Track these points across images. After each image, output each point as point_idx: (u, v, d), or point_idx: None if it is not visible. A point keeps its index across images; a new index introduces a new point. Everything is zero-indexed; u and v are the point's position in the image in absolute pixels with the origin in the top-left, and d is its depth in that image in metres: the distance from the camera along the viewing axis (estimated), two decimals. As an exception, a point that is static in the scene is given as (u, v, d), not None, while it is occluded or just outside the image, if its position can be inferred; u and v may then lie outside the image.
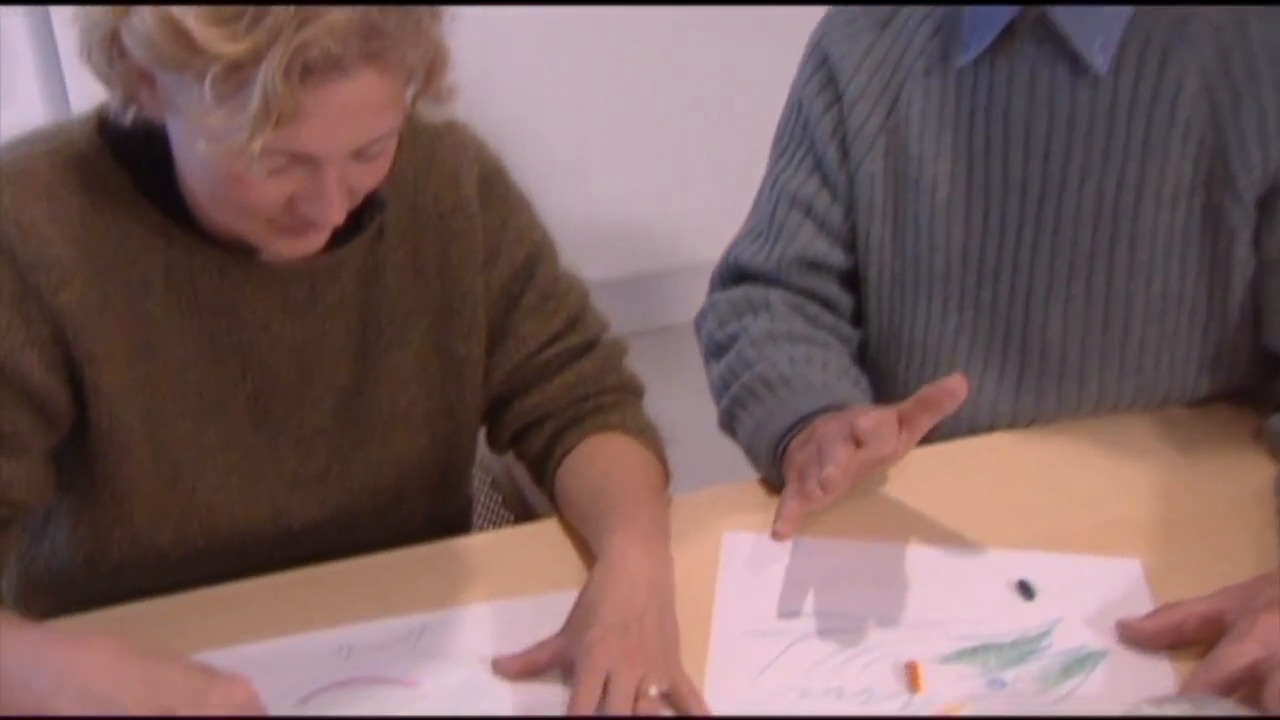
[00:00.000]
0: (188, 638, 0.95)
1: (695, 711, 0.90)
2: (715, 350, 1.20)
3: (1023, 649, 0.96)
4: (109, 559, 1.02)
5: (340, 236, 0.97)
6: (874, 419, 0.97)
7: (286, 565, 1.03)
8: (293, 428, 1.02)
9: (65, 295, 0.91)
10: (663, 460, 1.10)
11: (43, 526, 1.05)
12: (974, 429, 1.17)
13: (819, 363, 1.14)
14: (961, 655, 0.96)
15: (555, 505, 1.10)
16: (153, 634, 0.95)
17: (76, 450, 0.98)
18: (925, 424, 0.97)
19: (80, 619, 0.98)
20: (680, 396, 1.34)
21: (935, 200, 1.12)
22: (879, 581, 1.02)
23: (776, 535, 0.95)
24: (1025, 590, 1.00)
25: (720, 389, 1.17)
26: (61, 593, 1.05)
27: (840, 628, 0.98)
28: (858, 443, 0.97)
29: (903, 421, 0.98)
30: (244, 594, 1.01)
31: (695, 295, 1.29)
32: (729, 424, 1.15)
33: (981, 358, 1.15)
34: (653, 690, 0.89)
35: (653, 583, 0.95)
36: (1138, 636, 0.89)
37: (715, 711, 0.91)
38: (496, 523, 1.29)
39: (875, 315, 1.19)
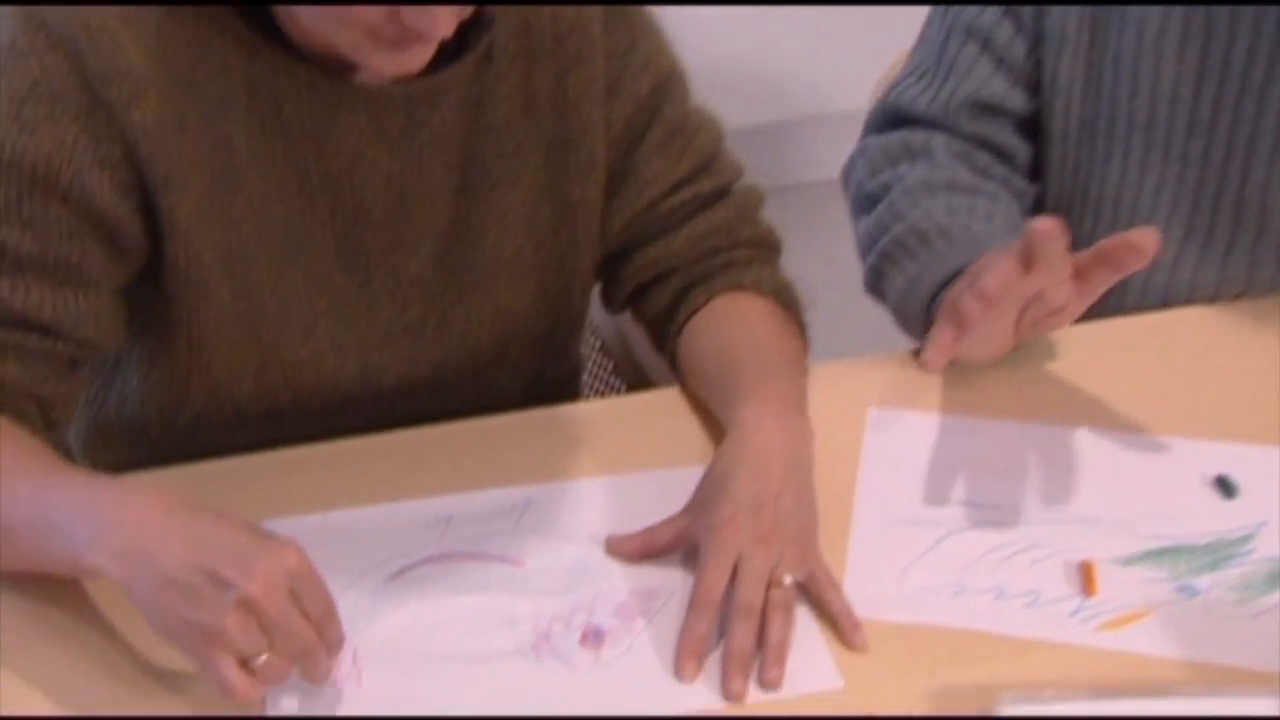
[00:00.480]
0: (267, 501, 0.95)
1: (835, 606, 0.89)
2: (864, 202, 1.16)
3: (1219, 553, 0.93)
4: (184, 412, 1.02)
5: (442, 60, 0.94)
6: (1048, 235, 0.91)
7: (376, 428, 1.03)
8: (386, 274, 1.01)
9: (139, 111, 0.89)
10: (801, 324, 1.08)
11: (113, 372, 1.06)
12: (1168, 300, 1.12)
13: (983, 214, 1.09)
14: (1146, 557, 0.93)
15: (677, 373, 1.09)
16: (228, 495, 0.95)
17: (150, 290, 0.96)
18: (1102, 281, 0.92)
19: (151, 475, 0.99)
20: (821, 259, 1.30)
21: (1144, 33, 1.04)
22: (1048, 470, 1.00)
23: (924, 365, 0.94)
24: (1225, 487, 0.96)
25: (867, 245, 1.13)
26: (132, 445, 1.06)
27: (1001, 520, 0.96)
28: (1026, 265, 0.92)
29: (1077, 275, 0.93)
30: (330, 456, 1.01)
31: (841, 147, 1.25)
32: (876, 284, 1.12)
33: (1185, 220, 1.09)
34: (787, 579, 0.88)
35: (789, 459, 0.93)
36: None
37: (856, 607, 0.89)
38: (605, 392, 1.28)
39: (1057, 168, 1.13)
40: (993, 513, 0.97)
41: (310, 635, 0.77)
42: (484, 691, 0.84)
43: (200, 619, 0.75)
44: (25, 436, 0.91)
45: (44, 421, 0.95)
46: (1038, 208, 1.17)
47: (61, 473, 0.87)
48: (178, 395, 1.02)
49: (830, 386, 1.05)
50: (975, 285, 0.92)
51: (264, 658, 0.76)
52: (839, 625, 0.88)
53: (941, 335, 0.95)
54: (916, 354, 1.08)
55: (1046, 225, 0.90)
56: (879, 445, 1.02)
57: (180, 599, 0.76)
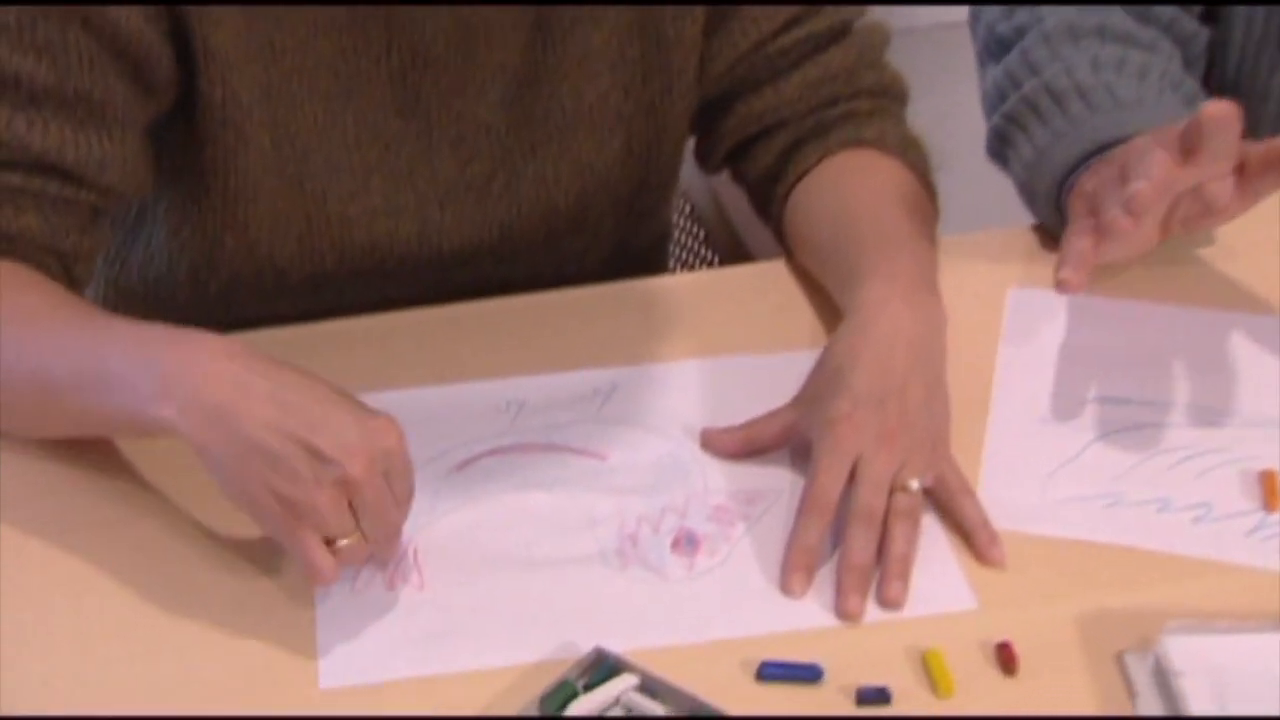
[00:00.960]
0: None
1: (969, 515, 0.86)
2: (994, 47, 1.10)
3: None
4: (217, 275, 1.02)
5: None
6: (1219, 121, 0.86)
7: (435, 299, 1.02)
8: (449, 121, 0.99)
9: None
10: (931, 188, 1.05)
11: (136, 227, 1.04)
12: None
13: (1134, 70, 1.03)
14: None
15: (784, 244, 1.07)
16: None
17: (181, 133, 0.96)
18: (1273, 186, 0.90)
19: None
20: (952, 111, 1.25)
21: None
22: (1221, 362, 0.96)
23: (1063, 286, 0.90)
24: None
25: (994, 101, 1.08)
26: (158, 311, 1.04)
27: (1164, 421, 0.93)
28: (1186, 153, 0.88)
29: (1243, 173, 0.90)
30: (383, 330, 1.00)
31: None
32: (999, 149, 1.07)
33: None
34: (913, 483, 0.86)
35: (918, 344, 0.91)
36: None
37: (993, 518, 0.87)
38: (695, 265, 1.26)
39: (1243, 25, 1.06)
40: (1154, 412, 0.94)
41: (398, 521, 0.78)
42: (560, 601, 0.83)
43: (292, 493, 0.75)
44: (57, 287, 0.90)
45: (66, 279, 0.94)
46: (1210, 58, 1.10)
47: (112, 320, 0.86)
48: (210, 255, 1.01)
49: (964, 263, 1.03)
50: (1125, 193, 0.88)
51: (349, 540, 0.77)
52: (973, 537, 0.86)
53: (1079, 248, 0.92)
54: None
55: (1219, 110, 0.85)
56: (1020, 331, 0.99)
57: (268, 468, 0.75)
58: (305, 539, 0.76)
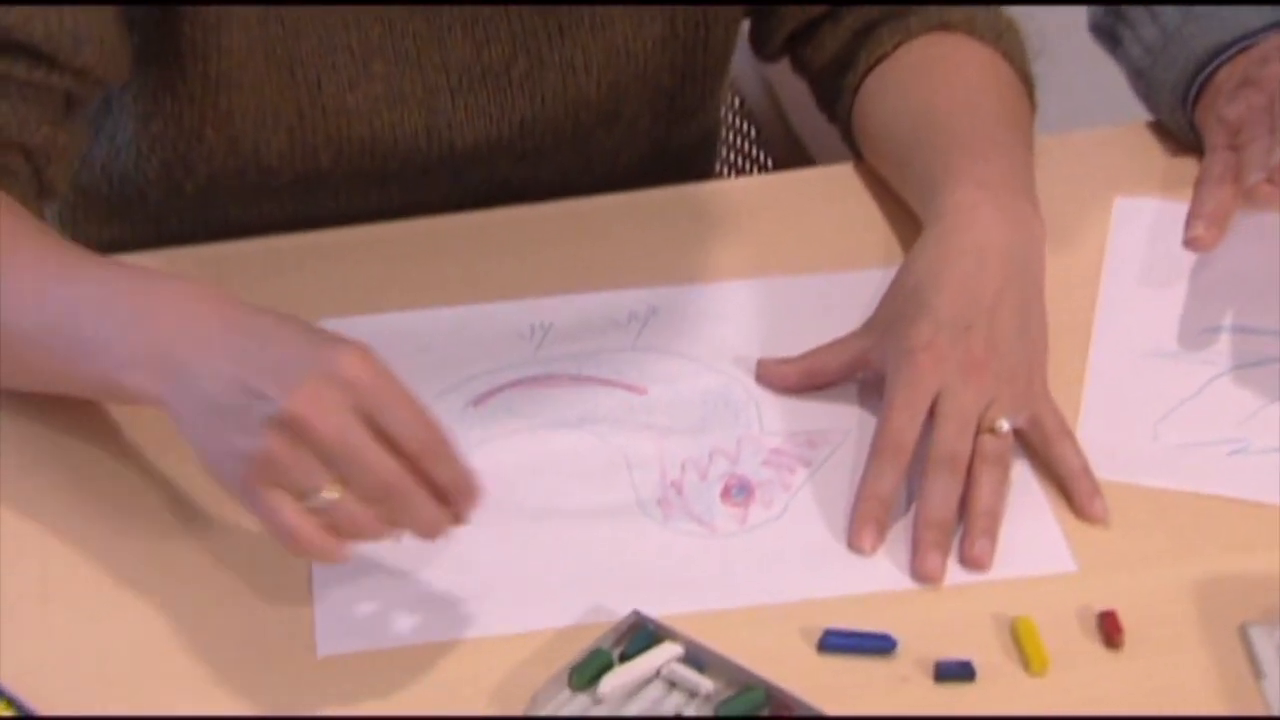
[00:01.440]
0: (300, 296, 0.95)
1: (1068, 462, 0.86)
2: None
3: None
4: (193, 174, 1.01)
5: None
6: None
7: (446, 205, 1.02)
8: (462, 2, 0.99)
9: None
10: (1029, 80, 1.04)
11: (100, 118, 1.03)
12: None
13: None
14: None
15: (852, 144, 1.07)
16: (250, 287, 0.93)
17: (154, 6, 0.94)
18: None
19: (147, 257, 0.97)
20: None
21: None
22: None
23: (1194, 244, 0.90)
24: None
25: None
26: (125, 216, 1.04)
27: None
28: None
29: None
30: (384, 240, 1.00)
31: None
32: (1109, 28, 1.07)
33: None
34: (1003, 424, 0.85)
35: (1012, 259, 0.90)
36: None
37: (1094, 465, 0.86)
38: (747, 168, 1.26)
39: None
40: None
41: (391, 467, 0.73)
42: (592, 558, 0.83)
43: (244, 446, 0.73)
44: (14, 206, 0.88)
45: (36, 185, 0.92)
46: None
47: (82, 263, 0.84)
48: (185, 152, 1.00)
49: (1064, 166, 1.02)
50: (1274, 156, 0.89)
51: (330, 495, 0.73)
52: (1071, 488, 0.85)
53: (1218, 199, 0.91)
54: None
55: None
56: (1129, 247, 0.99)
57: (223, 423, 0.74)
58: (265, 496, 0.73)
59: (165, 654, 0.78)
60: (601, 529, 0.84)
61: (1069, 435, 0.87)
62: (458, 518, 0.75)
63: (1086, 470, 0.85)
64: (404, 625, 0.79)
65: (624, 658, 0.75)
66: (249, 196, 1.01)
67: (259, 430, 0.73)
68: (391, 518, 0.74)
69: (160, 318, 0.79)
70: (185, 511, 0.84)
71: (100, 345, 0.80)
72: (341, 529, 0.73)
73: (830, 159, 1.09)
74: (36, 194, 0.92)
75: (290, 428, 0.73)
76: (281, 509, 0.73)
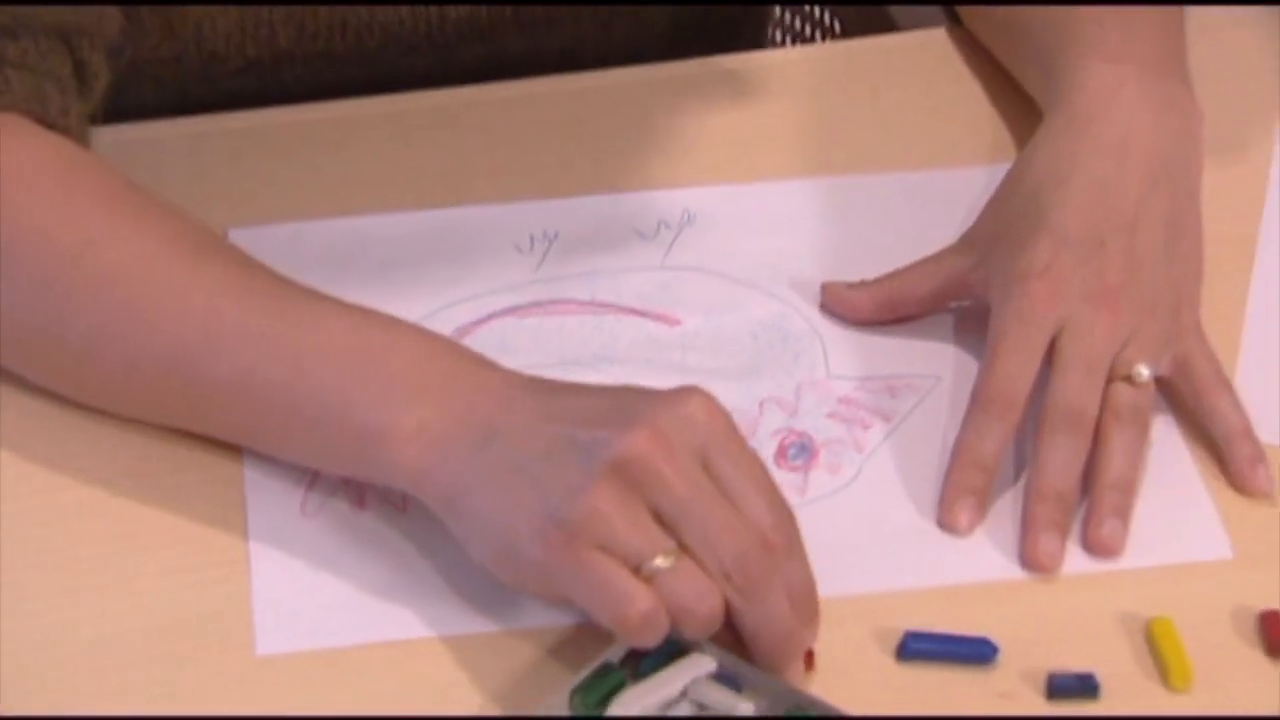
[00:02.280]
0: (237, 192, 0.96)
1: (1225, 418, 0.86)
2: None
3: None
4: (124, 54, 0.99)
5: None
6: None
7: (428, 83, 1.03)
8: None
9: None
10: None
11: None
12: None
13: None
14: None
15: (946, 6, 1.07)
16: (168, 180, 0.94)
17: None
18: None
19: None
20: None
21: None
22: None
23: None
24: None
25: None
26: None
27: None
28: None
29: None
30: (353, 123, 1.01)
31: None
32: None
33: None
34: (1143, 370, 0.86)
35: (1159, 157, 0.91)
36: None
37: (1257, 424, 0.86)
38: (811, 34, 1.27)
39: None
40: None
41: (751, 535, 0.74)
42: None
43: (564, 509, 0.74)
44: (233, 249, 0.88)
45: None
46: None
47: (292, 297, 0.84)
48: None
49: (1227, 37, 1.04)
50: None
51: (663, 563, 0.74)
52: (1228, 453, 0.85)
53: None
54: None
55: None
56: None
57: (536, 486, 0.75)
58: (593, 561, 0.73)
59: (78, 652, 0.79)
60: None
61: (1226, 385, 0.87)
62: (806, 640, 0.76)
63: (1248, 431, 0.86)
64: (363, 618, 0.79)
65: (639, 674, 0.74)
66: (187, 85, 1.03)
67: (586, 482, 0.74)
68: (737, 603, 0.74)
69: (449, 380, 0.79)
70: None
71: (359, 407, 0.80)
72: (670, 605, 0.74)
73: (917, 22, 1.10)
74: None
75: (627, 473, 0.74)
76: (617, 575, 0.73)
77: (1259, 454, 0.84)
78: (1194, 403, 0.87)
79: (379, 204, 0.96)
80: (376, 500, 0.83)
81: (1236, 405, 0.86)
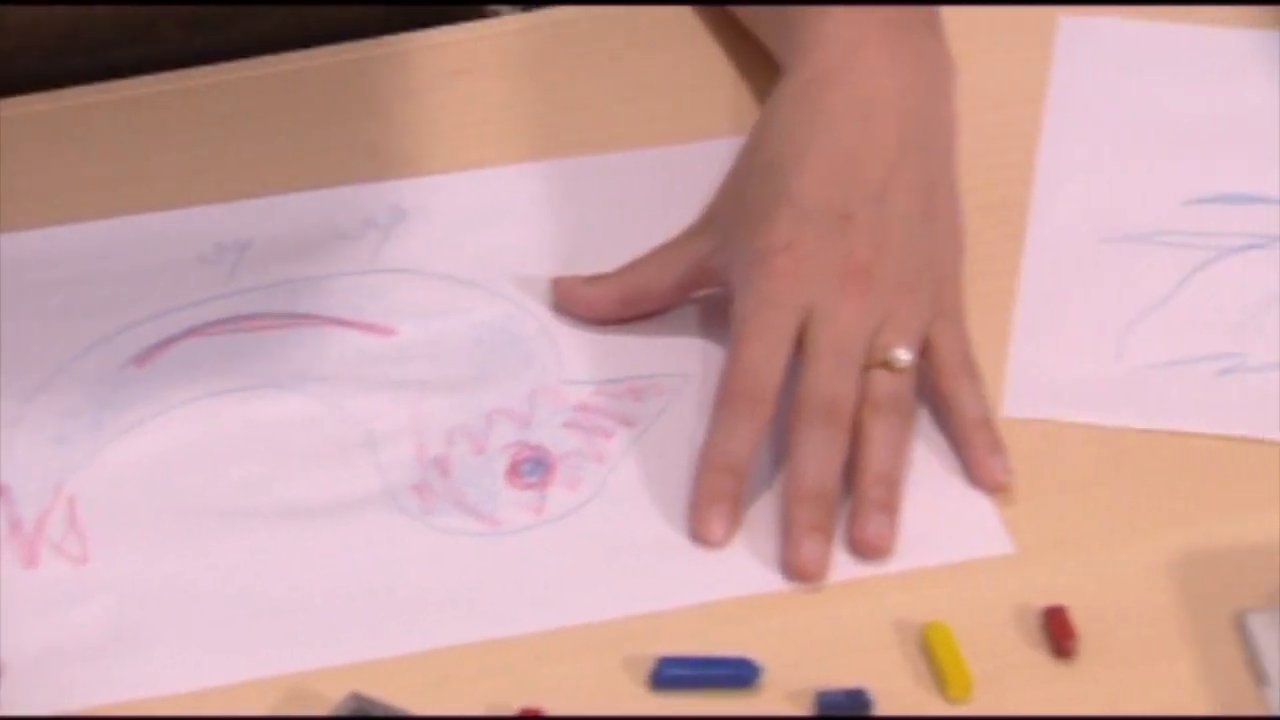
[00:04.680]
0: None
1: (962, 403, 0.89)
2: None
3: None
4: None
5: None
6: None
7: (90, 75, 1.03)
8: None
9: None
10: None
11: None
12: None
13: None
14: None
15: None
16: None
17: None
18: None
19: None
20: None
21: None
22: None
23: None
24: None
25: None
26: None
27: None
28: None
29: None
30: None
31: None
32: None
33: None
34: (901, 353, 0.88)
35: (910, 117, 0.93)
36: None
37: (1035, 397, 0.90)
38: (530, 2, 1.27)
39: None
40: None
41: None
42: (317, 578, 0.84)
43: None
44: None
45: None
46: None
47: None
48: None
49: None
50: None
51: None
52: (962, 441, 0.88)
53: None
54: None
55: None
56: (1077, 89, 1.03)
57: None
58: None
59: None
60: (332, 535, 0.85)
61: (970, 371, 0.90)
62: None
63: (986, 421, 0.88)
64: (28, 685, 0.79)
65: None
66: None
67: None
68: None
69: None
70: None
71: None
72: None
73: None
74: None
75: None
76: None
77: (996, 444, 0.87)
78: (935, 388, 0.89)
79: (34, 218, 0.95)
80: (48, 551, 0.83)
81: (977, 393, 0.89)
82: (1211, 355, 0.91)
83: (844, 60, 0.93)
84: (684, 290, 0.92)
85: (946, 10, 0.99)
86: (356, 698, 0.76)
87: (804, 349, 0.87)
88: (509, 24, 1.12)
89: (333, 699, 0.77)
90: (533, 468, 0.87)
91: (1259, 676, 0.79)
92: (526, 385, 0.90)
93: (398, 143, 1.00)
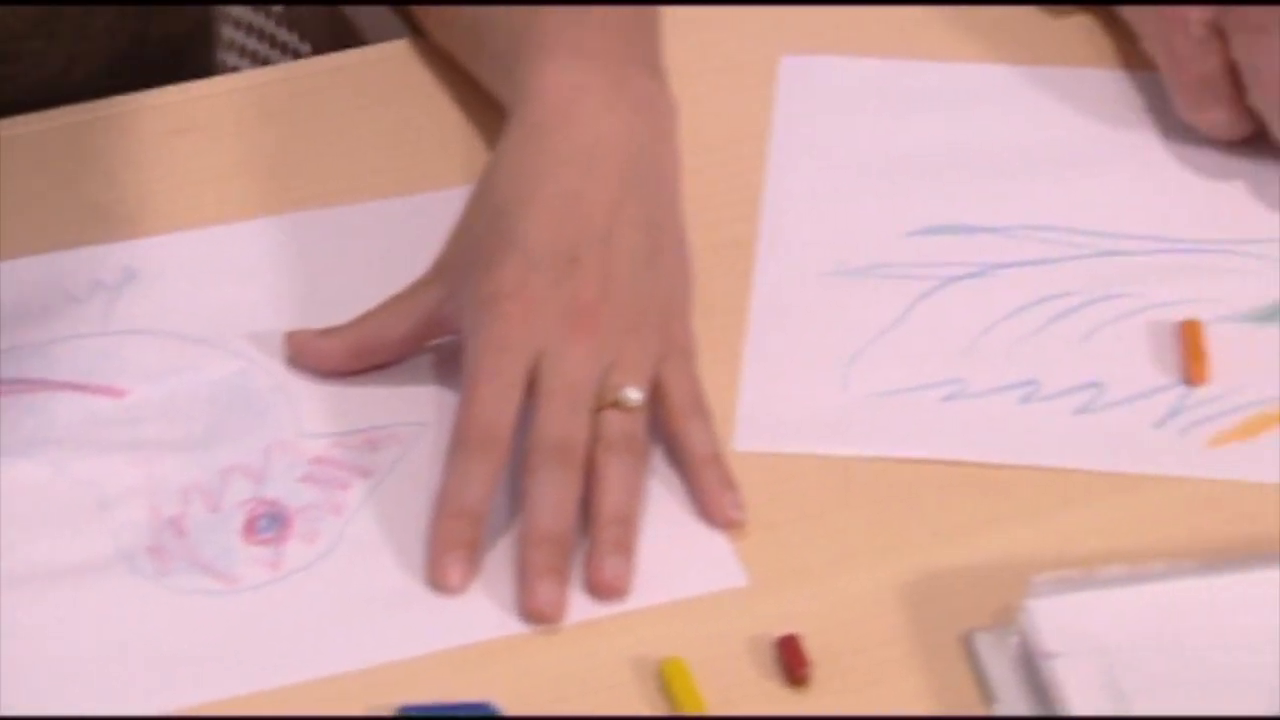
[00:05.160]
0: None
1: (692, 441, 0.90)
2: None
3: None
4: None
5: None
6: None
7: None
8: None
9: None
10: None
11: None
12: None
13: None
14: None
15: (407, 15, 1.09)
16: None
17: None
18: None
19: None
20: None
21: None
22: (1120, 157, 1.03)
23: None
24: None
25: None
26: None
27: (1029, 255, 0.98)
28: None
29: None
30: None
31: None
32: None
33: None
34: (631, 394, 0.89)
35: (632, 160, 0.94)
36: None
37: (764, 431, 0.91)
38: (263, 56, 1.29)
39: None
40: (1013, 242, 0.99)
41: None
42: (46, 644, 0.83)
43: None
44: None
45: None
46: None
47: None
48: None
49: (708, 20, 1.07)
50: None
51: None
52: (693, 479, 0.89)
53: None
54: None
55: None
56: (801, 127, 1.04)
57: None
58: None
59: None
60: (64, 601, 0.84)
61: (698, 409, 0.90)
62: None
63: (716, 458, 0.89)
64: None
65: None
66: None
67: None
68: None
69: None
70: None
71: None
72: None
73: (382, 35, 1.13)
74: None
75: None
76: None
77: (726, 480, 0.88)
78: (665, 426, 0.90)
79: None
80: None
81: (707, 430, 0.89)
82: (934, 383, 0.93)
83: (565, 106, 0.94)
84: (417, 339, 0.93)
85: (669, 51, 1.00)
86: None
87: (535, 392, 0.88)
88: (236, 81, 1.13)
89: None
90: (269, 523, 0.87)
91: (987, 694, 0.81)
92: (262, 440, 0.90)
93: (127, 204, 0.99)
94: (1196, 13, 0.98)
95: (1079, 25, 1.08)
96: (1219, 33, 0.98)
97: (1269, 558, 0.83)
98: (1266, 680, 0.78)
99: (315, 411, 0.92)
